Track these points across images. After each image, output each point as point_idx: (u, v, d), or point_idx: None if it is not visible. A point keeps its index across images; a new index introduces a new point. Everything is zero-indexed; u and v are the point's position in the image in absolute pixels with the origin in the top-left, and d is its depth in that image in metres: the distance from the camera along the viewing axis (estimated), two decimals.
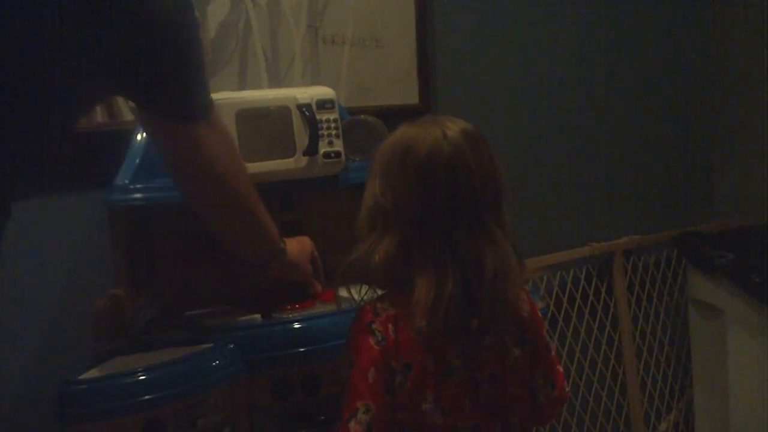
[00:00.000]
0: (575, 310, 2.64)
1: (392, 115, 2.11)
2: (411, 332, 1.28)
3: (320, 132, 1.85)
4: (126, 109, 1.97)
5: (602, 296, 2.71)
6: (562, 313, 2.61)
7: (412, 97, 2.34)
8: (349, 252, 1.34)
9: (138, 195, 1.78)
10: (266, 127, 1.84)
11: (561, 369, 1.48)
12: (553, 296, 2.59)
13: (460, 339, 1.31)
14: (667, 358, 2.86)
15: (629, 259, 2.76)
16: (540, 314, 1.47)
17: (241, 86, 2.09)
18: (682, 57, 2.88)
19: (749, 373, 2.63)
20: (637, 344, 2.77)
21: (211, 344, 1.63)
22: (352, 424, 1.26)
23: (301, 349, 1.68)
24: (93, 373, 1.52)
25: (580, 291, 2.66)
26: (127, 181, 1.78)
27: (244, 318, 1.75)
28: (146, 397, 1.49)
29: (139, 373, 1.51)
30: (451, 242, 1.29)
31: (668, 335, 2.87)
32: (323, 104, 1.88)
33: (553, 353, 1.47)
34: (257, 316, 1.75)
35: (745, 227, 2.81)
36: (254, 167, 1.80)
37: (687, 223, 2.85)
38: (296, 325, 1.71)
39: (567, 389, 1.48)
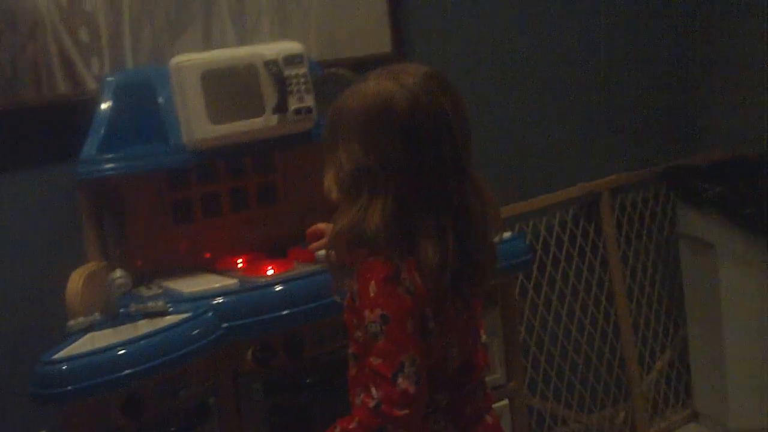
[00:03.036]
0: (563, 253, 2.61)
1: (365, 67, 2.05)
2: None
3: (290, 88, 1.80)
4: (89, 78, 1.91)
5: (590, 237, 2.68)
6: (550, 257, 2.58)
7: (385, 46, 2.27)
8: (333, 220, 1.30)
9: (108, 165, 1.75)
10: (233, 86, 1.79)
11: None
12: (540, 240, 2.56)
13: (459, 289, 1.30)
14: (659, 297, 2.84)
15: (617, 197, 2.72)
16: None
17: (207, 46, 2.02)
18: None
19: (742, 306, 2.62)
20: (628, 284, 2.75)
21: (190, 313, 1.60)
22: (399, 380, 1.21)
23: (283, 312, 1.66)
24: (69, 351, 1.49)
25: (567, 233, 2.62)
26: (94, 152, 1.74)
27: (221, 284, 1.72)
28: (126, 372, 1.46)
29: (117, 348, 1.49)
30: (444, 193, 1.27)
31: (659, 273, 2.84)
32: (291, 60, 1.83)
33: None
34: (234, 281, 1.72)
35: (734, 158, 2.76)
36: (223, 129, 1.76)
37: (674, 158, 2.81)
38: (276, 288, 1.69)
39: None
